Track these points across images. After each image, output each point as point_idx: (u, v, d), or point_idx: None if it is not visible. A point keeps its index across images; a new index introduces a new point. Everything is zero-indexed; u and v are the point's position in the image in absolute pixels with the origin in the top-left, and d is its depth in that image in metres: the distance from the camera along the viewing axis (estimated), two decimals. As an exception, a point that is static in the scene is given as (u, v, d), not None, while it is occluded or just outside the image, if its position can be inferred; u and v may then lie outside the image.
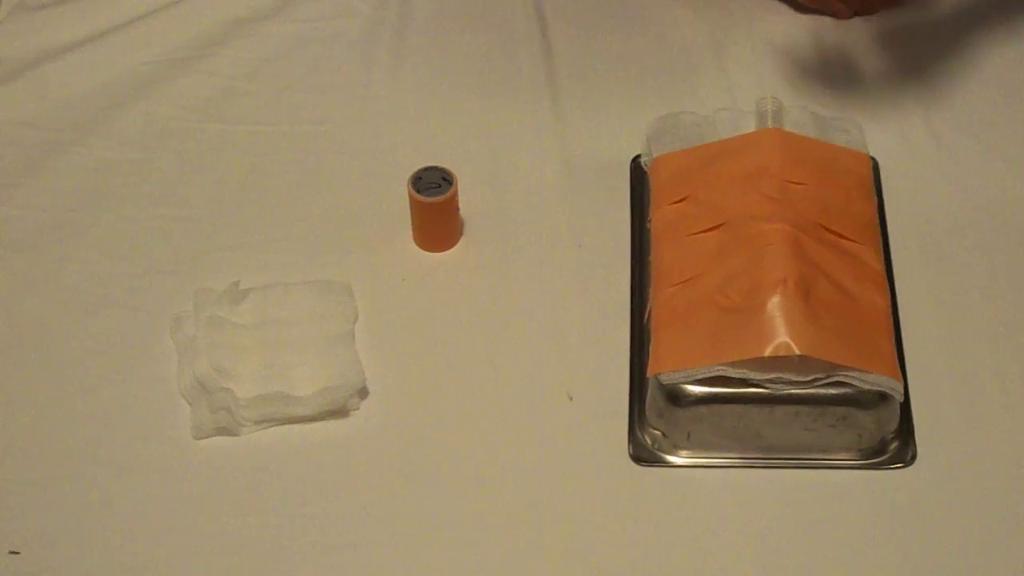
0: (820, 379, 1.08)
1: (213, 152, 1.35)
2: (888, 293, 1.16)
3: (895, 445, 1.12)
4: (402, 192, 1.24)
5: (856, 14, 1.45)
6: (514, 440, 1.14)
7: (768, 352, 1.07)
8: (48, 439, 1.14)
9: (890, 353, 1.12)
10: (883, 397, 1.10)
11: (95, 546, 1.09)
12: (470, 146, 1.34)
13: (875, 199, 1.24)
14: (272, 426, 1.14)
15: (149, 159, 1.35)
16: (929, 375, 1.16)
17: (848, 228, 1.18)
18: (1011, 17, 1.46)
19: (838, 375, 1.08)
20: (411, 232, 1.27)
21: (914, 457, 1.12)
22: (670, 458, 1.13)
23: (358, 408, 1.15)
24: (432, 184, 1.24)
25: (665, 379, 1.11)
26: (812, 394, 1.09)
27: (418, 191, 1.23)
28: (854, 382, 1.08)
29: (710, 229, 1.17)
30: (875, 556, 1.07)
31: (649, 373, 1.12)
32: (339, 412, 1.15)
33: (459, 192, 1.24)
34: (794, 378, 1.08)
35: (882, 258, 1.19)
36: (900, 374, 1.11)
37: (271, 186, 1.32)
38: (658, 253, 1.20)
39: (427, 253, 1.26)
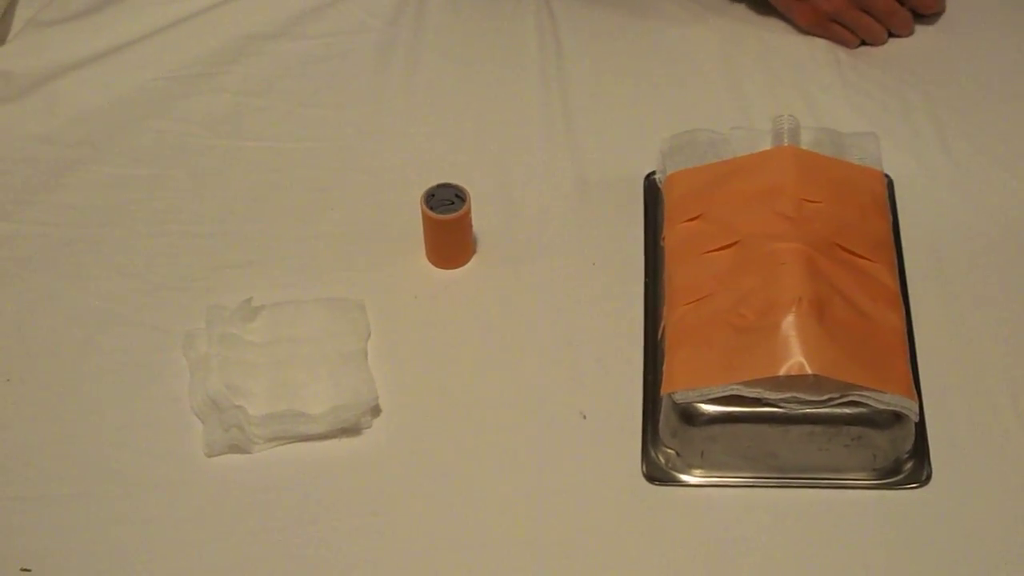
0: (835, 399, 1.08)
1: (225, 169, 1.35)
2: (903, 312, 1.16)
3: (910, 465, 1.12)
4: (415, 209, 1.24)
5: (863, 43, 1.45)
6: (527, 458, 1.13)
7: (782, 371, 1.07)
8: (59, 456, 1.14)
9: (905, 373, 1.11)
10: (898, 417, 1.09)
11: (106, 564, 1.08)
12: (483, 163, 1.34)
13: (890, 217, 1.23)
14: (284, 444, 1.14)
15: (161, 176, 1.35)
16: (944, 395, 1.16)
17: (863, 247, 1.17)
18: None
19: (853, 395, 1.08)
20: (424, 249, 1.26)
21: (929, 477, 1.12)
22: (684, 477, 1.12)
23: (370, 426, 1.15)
24: (445, 201, 1.23)
25: (679, 398, 1.10)
26: (827, 414, 1.08)
27: (431, 208, 1.23)
28: (869, 402, 1.08)
29: (724, 247, 1.17)
30: (890, 577, 1.07)
31: (663, 392, 1.12)
32: (351, 430, 1.14)
33: (472, 209, 1.24)
34: (809, 398, 1.08)
35: (897, 277, 1.18)
36: (915, 394, 1.11)
37: (283, 203, 1.32)
38: (672, 271, 1.19)
39: (440, 270, 1.26)
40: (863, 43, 1.45)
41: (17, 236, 1.30)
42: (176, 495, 1.12)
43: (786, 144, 1.22)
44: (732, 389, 1.09)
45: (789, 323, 1.09)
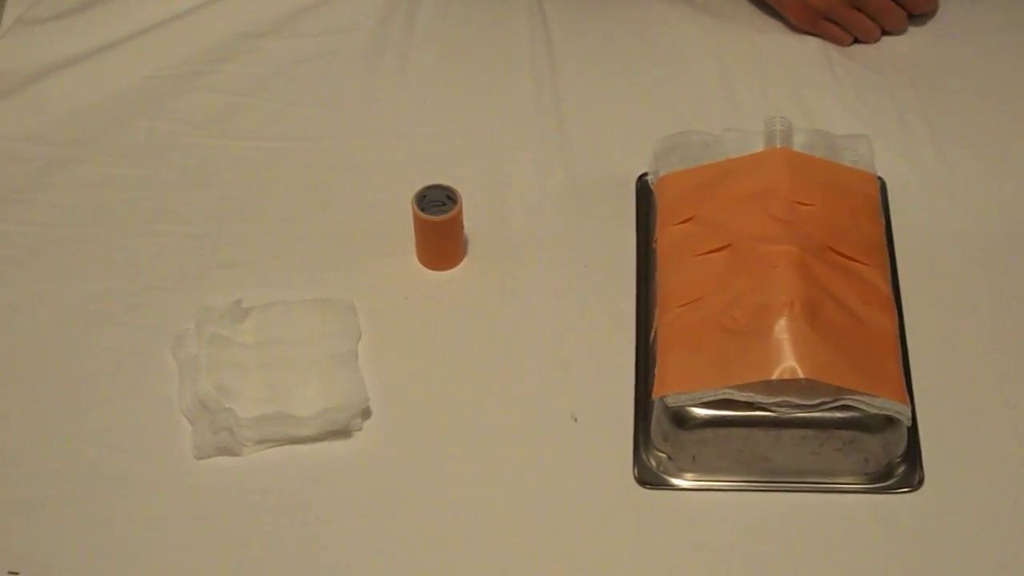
0: (827, 403, 1.08)
1: (215, 168, 1.35)
2: (895, 316, 1.16)
3: (902, 469, 1.12)
4: (406, 210, 1.24)
5: (856, 41, 1.44)
6: (518, 462, 1.13)
7: (774, 375, 1.07)
8: (48, 458, 1.14)
9: (897, 377, 1.11)
10: (890, 421, 1.09)
11: (95, 567, 1.08)
12: (475, 164, 1.34)
13: (882, 220, 1.23)
14: (274, 446, 1.14)
15: (151, 175, 1.34)
16: (937, 399, 1.15)
17: (855, 250, 1.17)
18: (1019, 37, 1.46)
19: (845, 399, 1.08)
20: (415, 250, 1.26)
21: (921, 481, 1.11)
22: (675, 481, 1.12)
23: (360, 428, 1.15)
24: (436, 202, 1.23)
25: (671, 401, 1.10)
26: (819, 418, 1.08)
27: (422, 209, 1.23)
28: (861, 406, 1.08)
29: (716, 250, 1.17)
30: (882, 581, 1.07)
31: (655, 395, 1.12)
32: (341, 432, 1.14)
33: (464, 210, 1.23)
34: (800, 401, 1.08)
35: (889, 280, 1.18)
36: (907, 398, 1.10)
37: (274, 203, 1.32)
38: (664, 273, 1.19)
39: (431, 272, 1.26)
40: (856, 41, 1.45)
41: (5, 236, 1.29)
42: (165, 498, 1.11)
43: (778, 146, 1.22)
44: (724, 393, 1.08)
45: (781, 327, 1.08)
